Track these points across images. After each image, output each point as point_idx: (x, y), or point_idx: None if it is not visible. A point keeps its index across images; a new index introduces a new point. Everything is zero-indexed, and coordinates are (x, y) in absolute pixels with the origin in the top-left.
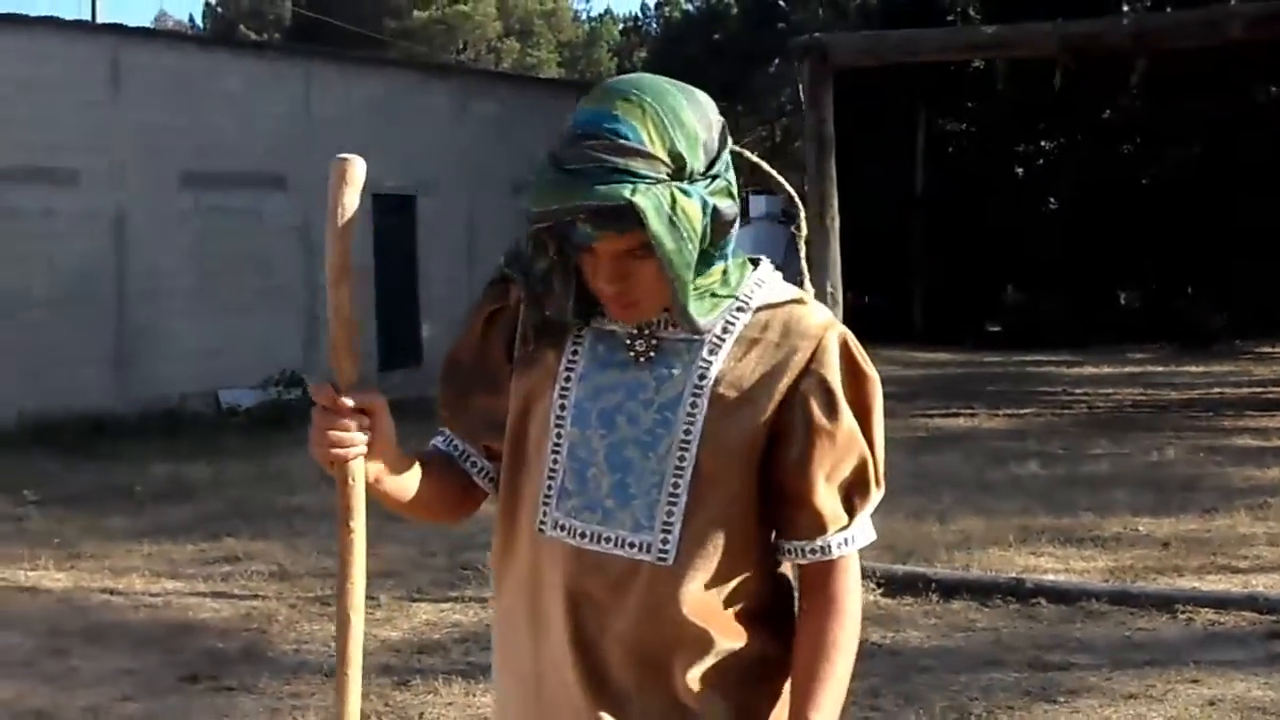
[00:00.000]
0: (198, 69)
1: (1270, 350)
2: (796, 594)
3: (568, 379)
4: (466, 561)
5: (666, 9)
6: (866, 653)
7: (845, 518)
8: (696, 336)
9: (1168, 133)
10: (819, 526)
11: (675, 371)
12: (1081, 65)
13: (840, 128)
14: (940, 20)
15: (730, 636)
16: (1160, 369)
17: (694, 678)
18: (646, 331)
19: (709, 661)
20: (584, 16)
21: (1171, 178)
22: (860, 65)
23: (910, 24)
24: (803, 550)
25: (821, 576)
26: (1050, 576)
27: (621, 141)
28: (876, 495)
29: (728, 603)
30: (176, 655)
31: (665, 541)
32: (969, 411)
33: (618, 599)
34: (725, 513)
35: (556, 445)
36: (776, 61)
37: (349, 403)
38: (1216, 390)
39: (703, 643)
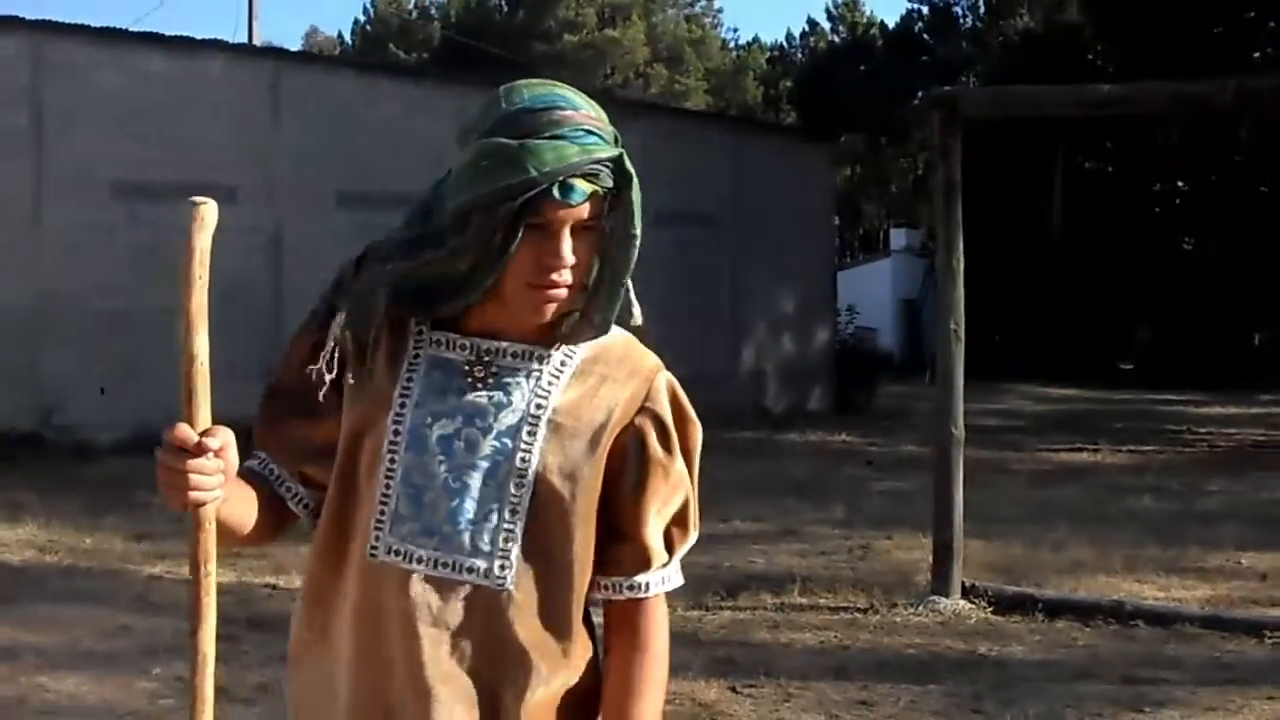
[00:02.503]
0: (354, 93)
1: None
2: (603, 633)
3: (403, 405)
4: None
5: (812, 39)
6: (972, 662)
7: (666, 556)
8: (536, 366)
9: None
10: (644, 562)
11: (514, 399)
12: (1195, 120)
13: (980, 167)
14: (1079, 54)
15: (558, 670)
16: None
17: (524, 711)
18: (486, 359)
19: (537, 694)
20: (732, 44)
21: None
22: (988, 117)
23: (1050, 57)
24: (621, 586)
25: (634, 615)
26: (1150, 601)
27: (588, 111)
28: (693, 538)
29: (558, 635)
30: None
31: (502, 567)
32: (1093, 447)
33: (454, 623)
34: (561, 543)
35: (390, 471)
36: (920, 94)
37: (213, 444)
38: None
39: (532, 673)
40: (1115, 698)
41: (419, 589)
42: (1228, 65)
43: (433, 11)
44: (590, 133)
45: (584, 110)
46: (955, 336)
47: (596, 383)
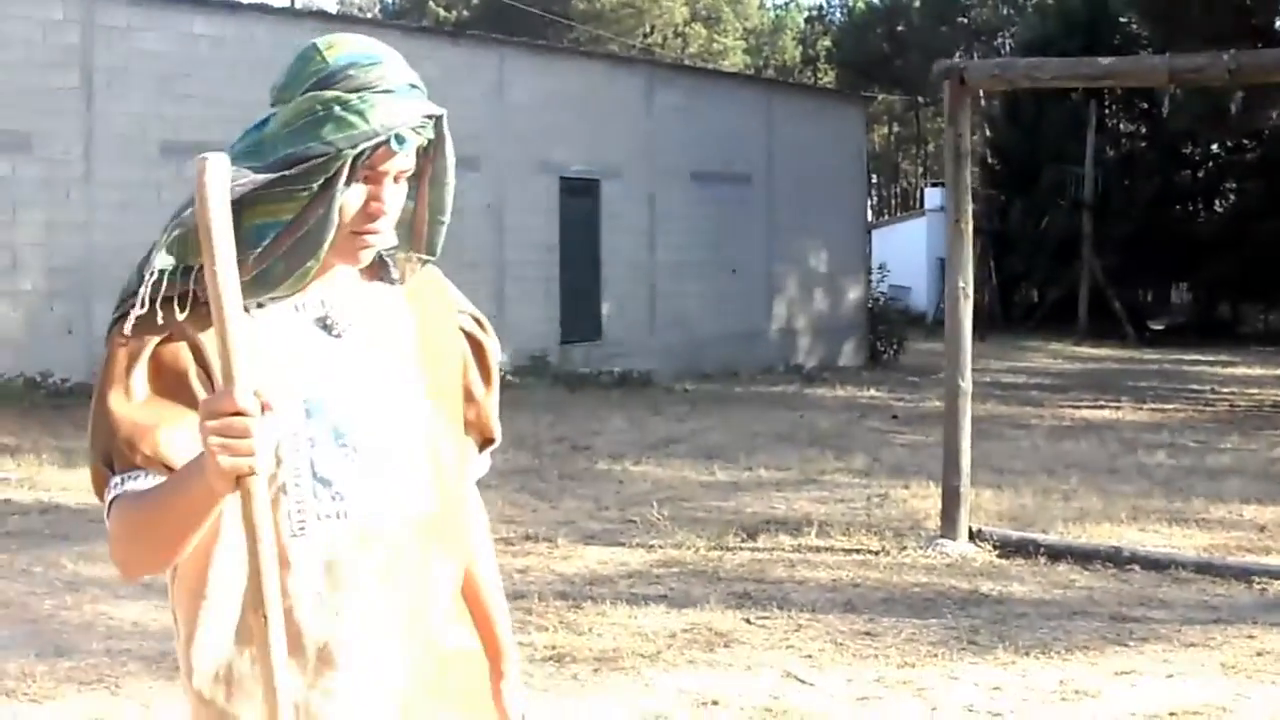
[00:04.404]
0: (398, 55)
1: None
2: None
3: (279, 378)
4: (636, 514)
5: None
6: (973, 600)
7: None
8: (380, 304)
9: None
10: (488, 441)
11: (379, 338)
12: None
13: (1016, 132)
14: (1112, 18)
15: (461, 572)
16: None
17: (447, 617)
18: (336, 309)
19: (451, 598)
20: (769, 4)
21: None
22: (993, 89)
23: (1082, 21)
24: (473, 471)
25: (473, 489)
26: (1148, 547)
27: (406, 66)
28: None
29: (464, 535)
30: None
31: (424, 491)
32: (1115, 405)
33: (396, 559)
34: (452, 451)
35: (294, 444)
36: (958, 55)
37: (270, 401)
38: None
39: (453, 581)
40: (1104, 633)
41: (361, 542)
42: (1258, 32)
43: None
44: (414, 87)
45: (404, 66)
46: (963, 294)
47: (422, 304)
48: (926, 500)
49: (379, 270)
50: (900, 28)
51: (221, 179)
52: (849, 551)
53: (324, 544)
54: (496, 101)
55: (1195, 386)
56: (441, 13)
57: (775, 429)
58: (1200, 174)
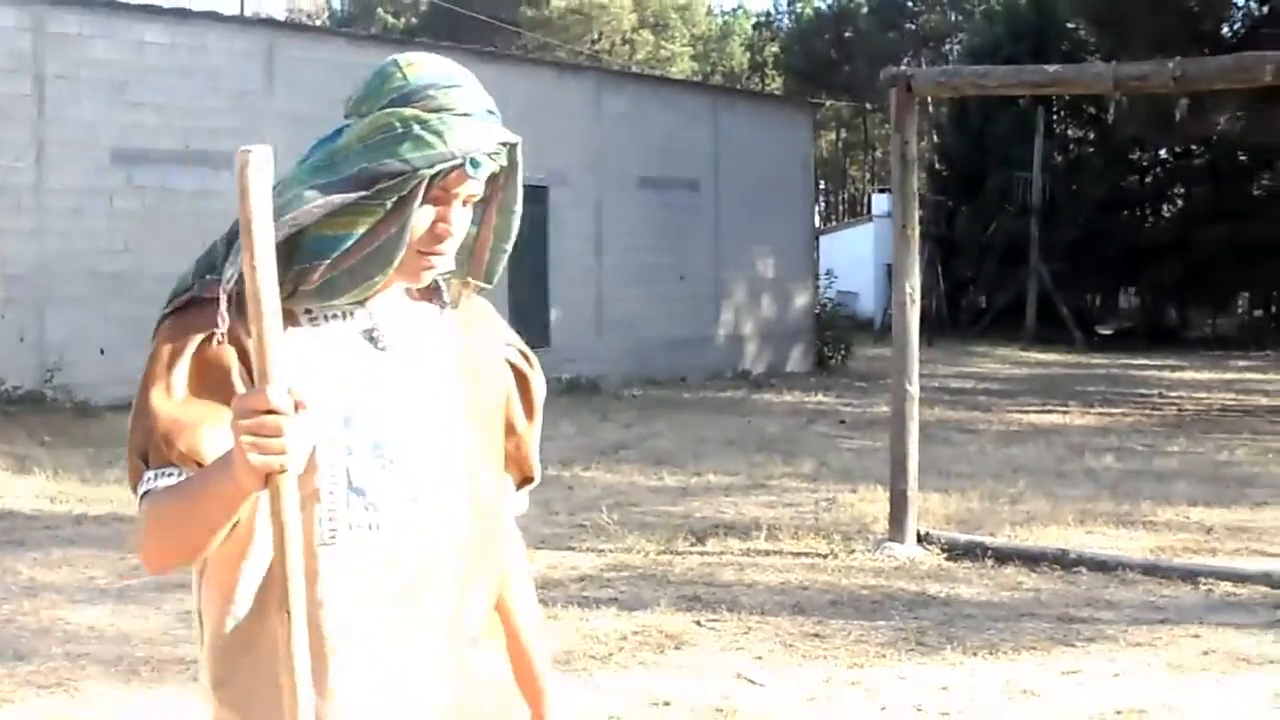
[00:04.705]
0: (346, 61)
1: None
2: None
3: (320, 386)
4: (586, 519)
5: (798, 5)
6: (921, 602)
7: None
8: (428, 322)
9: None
10: (527, 479)
11: (424, 355)
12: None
13: (964, 138)
14: (1060, 26)
15: (495, 595)
16: (1258, 376)
17: (478, 638)
18: (385, 323)
19: (485, 618)
20: (717, 11)
21: None
22: (939, 96)
23: (1030, 27)
24: (513, 503)
25: (511, 526)
26: (1094, 550)
27: (482, 89)
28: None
29: (497, 556)
30: None
31: (459, 507)
32: (1063, 409)
33: (427, 574)
34: (489, 473)
35: (331, 451)
36: (906, 61)
37: (304, 399)
38: None
39: (486, 602)
40: (1051, 634)
41: (393, 555)
42: (1205, 38)
43: None
44: (491, 112)
45: (481, 91)
46: (910, 300)
47: (469, 331)
48: (874, 504)
49: (431, 292)
50: (848, 34)
51: (263, 173)
52: (798, 555)
53: (353, 554)
54: None
55: (1143, 391)
56: (389, 20)
57: (723, 434)
58: (1147, 179)
